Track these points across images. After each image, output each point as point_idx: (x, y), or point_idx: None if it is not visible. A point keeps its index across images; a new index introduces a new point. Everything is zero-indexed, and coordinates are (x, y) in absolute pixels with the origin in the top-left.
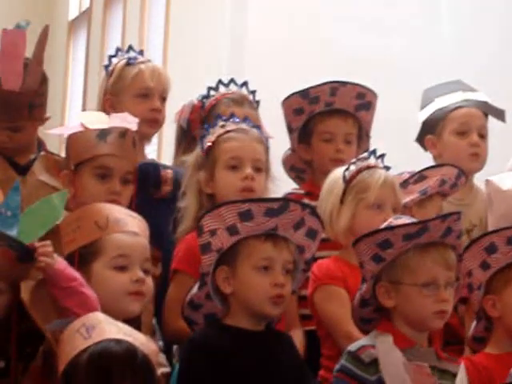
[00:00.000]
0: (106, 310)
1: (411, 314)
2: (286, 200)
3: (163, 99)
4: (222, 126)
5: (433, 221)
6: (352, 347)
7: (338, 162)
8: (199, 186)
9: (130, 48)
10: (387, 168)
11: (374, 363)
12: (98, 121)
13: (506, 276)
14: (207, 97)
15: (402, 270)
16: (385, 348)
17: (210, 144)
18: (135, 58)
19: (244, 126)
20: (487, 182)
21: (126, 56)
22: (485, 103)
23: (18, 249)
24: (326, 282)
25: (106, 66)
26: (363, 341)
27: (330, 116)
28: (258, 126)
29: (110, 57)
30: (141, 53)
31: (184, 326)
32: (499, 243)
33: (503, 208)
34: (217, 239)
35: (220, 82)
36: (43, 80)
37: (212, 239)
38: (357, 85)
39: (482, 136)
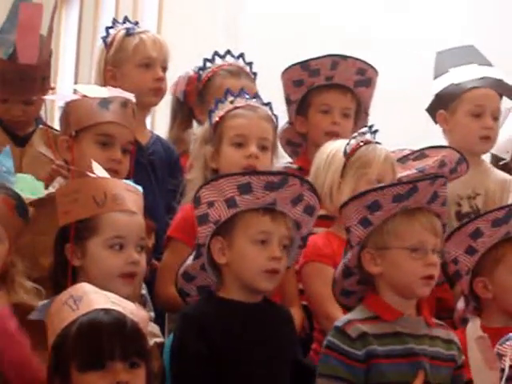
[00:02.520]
0: (98, 288)
1: (398, 279)
2: (286, 174)
3: (164, 69)
4: (232, 102)
5: (422, 181)
6: (339, 322)
7: (333, 135)
8: (205, 159)
9: (126, 19)
10: (378, 144)
11: (361, 338)
12: (96, 92)
13: (493, 256)
14: (203, 68)
15: (388, 235)
16: (472, 331)
17: (217, 119)
18: (133, 28)
19: (253, 102)
20: None
21: (123, 27)
22: (500, 82)
23: (16, 198)
24: (313, 259)
25: (104, 38)
26: (350, 316)
27: (328, 89)
28: (269, 103)
29: (107, 28)
30: (136, 24)
31: (175, 294)
32: (484, 227)
33: None
34: (214, 211)
35: (216, 53)
36: (51, 51)
37: (210, 211)
38: (358, 60)
39: (496, 118)
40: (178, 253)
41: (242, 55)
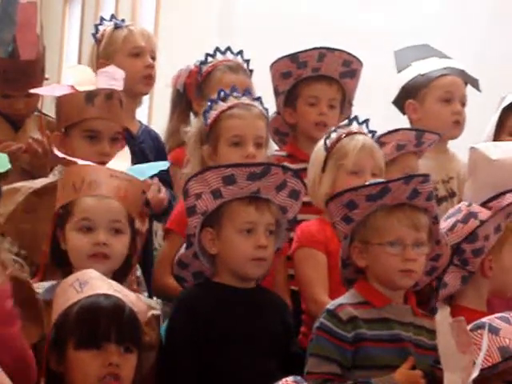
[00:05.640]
0: (79, 269)
1: (380, 272)
2: (268, 164)
3: (153, 59)
4: (224, 100)
5: (394, 182)
6: (330, 306)
7: (321, 126)
8: (203, 159)
9: (113, 16)
10: (373, 132)
11: (352, 321)
12: (86, 79)
13: (502, 237)
14: (204, 63)
15: (370, 230)
16: (442, 318)
17: (212, 119)
18: (121, 23)
19: (246, 99)
20: (473, 149)
21: (111, 23)
22: (463, 71)
23: None
24: (306, 245)
25: (94, 34)
26: (341, 299)
27: (315, 81)
28: (259, 98)
29: (96, 25)
30: (123, 21)
31: (171, 283)
32: None
33: (491, 177)
34: (201, 202)
35: (217, 49)
36: (44, 44)
37: (197, 202)
38: (344, 52)
39: (463, 104)
40: (174, 244)
41: (241, 52)
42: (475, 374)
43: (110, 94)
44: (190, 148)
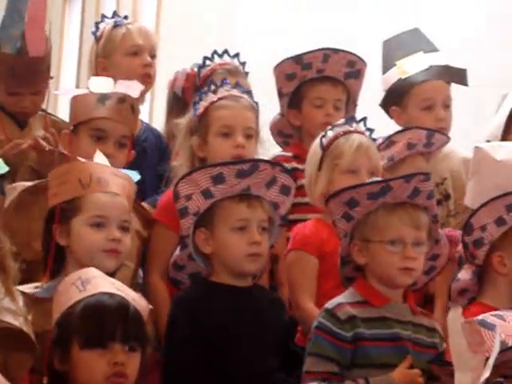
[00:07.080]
0: (84, 265)
1: (379, 270)
2: (256, 160)
3: (152, 57)
4: (214, 92)
5: (395, 180)
6: (329, 305)
7: (327, 126)
8: (192, 149)
9: (115, 14)
10: (371, 131)
11: (350, 320)
12: (104, 86)
13: None
14: (203, 66)
15: (371, 228)
16: (454, 318)
17: (202, 110)
18: (121, 21)
19: (236, 92)
20: (477, 149)
21: (112, 21)
22: (447, 68)
23: None
24: (297, 247)
25: (94, 32)
26: (340, 298)
27: (320, 82)
28: (250, 92)
29: (96, 23)
30: (125, 18)
31: (157, 281)
32: None
33: (496, 177)
34: (193, 203)
35: (215, 52)
36: (51, 42)
37: (188, 204)
38: (348, 53)
39: (447, 106)
40: (161, 237)
41: (237, 55)
42: (486, 374)
43: (122, 98)
44: (179, 140)
